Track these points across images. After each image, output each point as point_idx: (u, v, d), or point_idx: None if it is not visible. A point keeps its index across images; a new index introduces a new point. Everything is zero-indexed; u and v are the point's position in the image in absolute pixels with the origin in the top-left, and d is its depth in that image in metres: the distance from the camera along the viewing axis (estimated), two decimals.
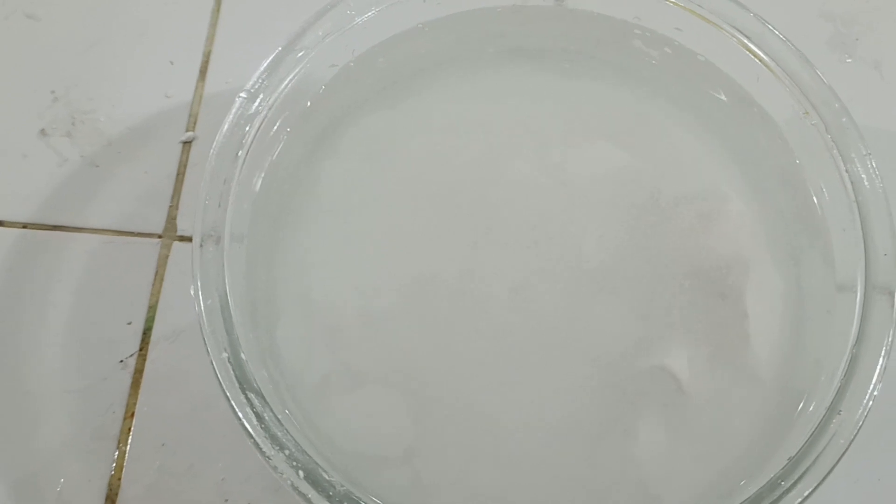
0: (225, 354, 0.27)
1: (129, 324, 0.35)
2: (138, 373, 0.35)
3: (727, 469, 0.29)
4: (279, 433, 0.26)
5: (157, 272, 0.36)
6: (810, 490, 0.25)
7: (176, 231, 0.37)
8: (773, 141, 0.33)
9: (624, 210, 0.33)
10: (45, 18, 0.41)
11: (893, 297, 0.28)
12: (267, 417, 0.26)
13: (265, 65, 0.30)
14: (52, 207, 0.37)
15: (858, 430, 0.26)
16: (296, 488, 0.25)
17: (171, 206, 0.38)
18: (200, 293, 0.27)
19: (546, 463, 0.30)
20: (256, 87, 0.30)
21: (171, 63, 0.40)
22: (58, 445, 0.34)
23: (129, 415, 0.34)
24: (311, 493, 0.25)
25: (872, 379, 0.27)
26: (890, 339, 0.28)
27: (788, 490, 0.25)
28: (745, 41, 0.32)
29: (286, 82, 0.31)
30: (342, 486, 0.25)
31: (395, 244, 0.33)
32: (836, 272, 0.30)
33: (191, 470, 0.33)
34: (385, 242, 0.33)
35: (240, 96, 0.30)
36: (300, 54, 0.31)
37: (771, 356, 0.31)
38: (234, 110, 0.30)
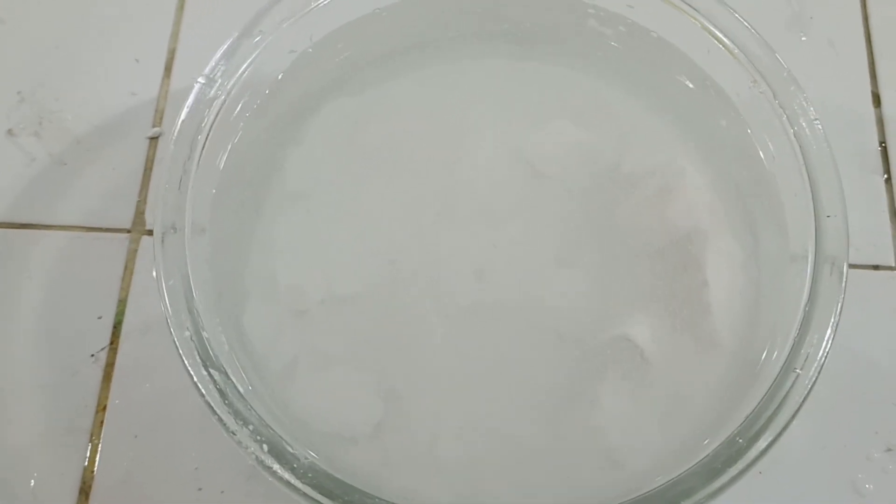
0: (187, 333, 0.27)
1: (100, 318, 0.36)
2: (109, 366, 0.35)
3: (689, 434, 0.29)
4: (242, 408, 0.26)
5: (126, 266, 0.37)
6: (767, 444, 0.26)
7: (144, 226, 0.37)
8: (726, 112, 0.33)
9: (585, 187, 0.33)
10: (9, 21, 0.41)
11: (842, 266, 0.29)
12: (230, 393, 0.26)
13: (222, 50, 0.31)
14: (22, 206, 0.38)
15: (812, 387, 0.27)
16: (261, 462, 0.25)
17: (138, 202, 0.38)
18: (163, 274, 0.27)
19: (513, 437, 0.30)
20: (215, 72, 0.31)
21: (137, 61, 0.41)
22: (30, 440, 0.34)
23: (102, 408, 0.34)
24: (276, 466, 0.25)
25: (825, 338, 0.27)
26: (840, 304, 0.28)
27: (746, 447, 0.26)
28: (695, 14, 0.32)
29: (244, 67, 0.31)
30: (306, 458, 0.26)
31: (360, 228, 0.33)
32: (790, 239, 0.31)
33: (164, 460, 0.33)
34: (350, 227, 0.33)
35: (198, 81, 0.30)
36: (257, 39, 0.31)
37: (731, 323, 0.31)
38: (192, 95, 0.30)
